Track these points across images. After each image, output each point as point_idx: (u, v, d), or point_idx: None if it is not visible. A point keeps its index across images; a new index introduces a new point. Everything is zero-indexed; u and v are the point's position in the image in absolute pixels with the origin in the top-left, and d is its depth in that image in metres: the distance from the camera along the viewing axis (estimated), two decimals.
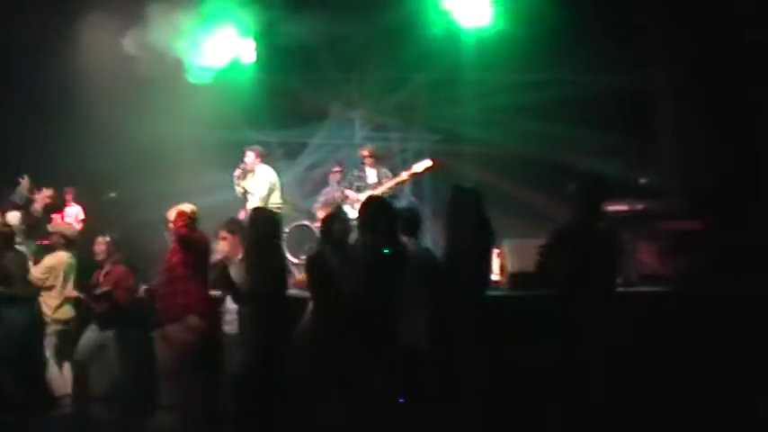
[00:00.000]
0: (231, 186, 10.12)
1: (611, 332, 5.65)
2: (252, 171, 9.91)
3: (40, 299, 7.88)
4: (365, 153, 9.95)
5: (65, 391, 7.72)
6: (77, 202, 11.07)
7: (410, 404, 5.73)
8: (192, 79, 10.66)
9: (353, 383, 5.57)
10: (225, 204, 9.95)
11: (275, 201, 9.84)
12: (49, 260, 7.99)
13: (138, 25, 10.43)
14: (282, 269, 6.32)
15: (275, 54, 11.48)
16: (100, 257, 7.87)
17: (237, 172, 9.87)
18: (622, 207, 8.58)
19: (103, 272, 7.77)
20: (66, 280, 7.93)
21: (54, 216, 9.97)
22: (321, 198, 10.69)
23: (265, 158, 9.99)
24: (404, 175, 9.58)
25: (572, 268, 5.72)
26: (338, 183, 10.60)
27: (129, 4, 10.57)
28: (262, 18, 11.00)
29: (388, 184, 9.51)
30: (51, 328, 7.86)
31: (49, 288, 7.88)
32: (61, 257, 7.96)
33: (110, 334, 7.73)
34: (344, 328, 5.62)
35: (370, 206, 6.00)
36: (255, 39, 11.39)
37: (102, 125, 11.04)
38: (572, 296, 5.74)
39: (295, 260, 9.85)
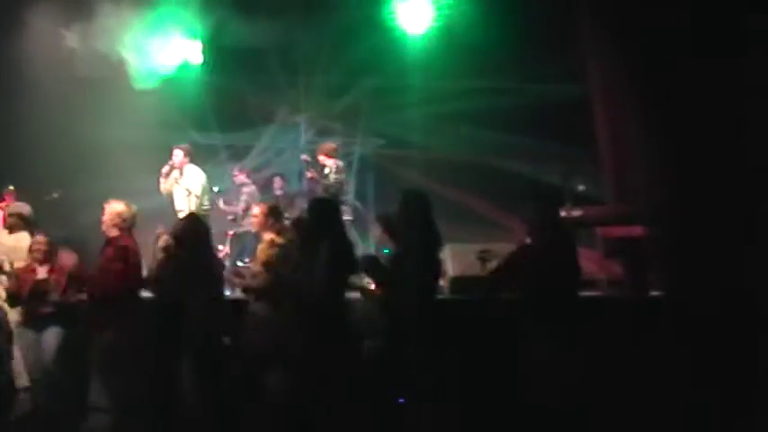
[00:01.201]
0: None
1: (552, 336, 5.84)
2: (180, 170, 9.85)
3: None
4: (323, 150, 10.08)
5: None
6: (20, 201, 10.88)
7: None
8: (137, 84, 10.60)
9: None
10: (170, 206, 9.95)
11: (205, 203, 9.83)
12: (13, 239, 7.86)
13: (83, 22, 10.36)
14: None
15: (222, 56, 11.50)
16: (37, 256, 7.67)
17: (165, 169, 9.79)
18: (562, 213, 8.77)
19: (41, 270, 7.58)
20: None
21: None
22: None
23: (193, 158, 9.96)
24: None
25: (536, 281, 5.92)
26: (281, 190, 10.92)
27: (76, 3, 10.46)
28: (209, 20, 11.00)
29: None
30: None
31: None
32: (24, 237, 7.85)
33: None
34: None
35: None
36: (203, 41, 11.36)
37: (44, 124, 10.89)
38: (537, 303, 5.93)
39: (239, 263, 9.87)
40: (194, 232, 6.53)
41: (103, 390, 6.65)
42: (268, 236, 6.71)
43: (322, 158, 9.91)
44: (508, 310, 6.32)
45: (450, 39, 11.03)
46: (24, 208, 8.22)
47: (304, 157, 10.15)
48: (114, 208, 6.99)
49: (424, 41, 11.33)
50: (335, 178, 9.69)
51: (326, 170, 9.78)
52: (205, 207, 9.75)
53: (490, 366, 6.66)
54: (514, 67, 10.89)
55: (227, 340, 6.57)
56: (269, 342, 6.32)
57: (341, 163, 9.88)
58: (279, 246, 6.61)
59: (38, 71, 10.88)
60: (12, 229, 8.11)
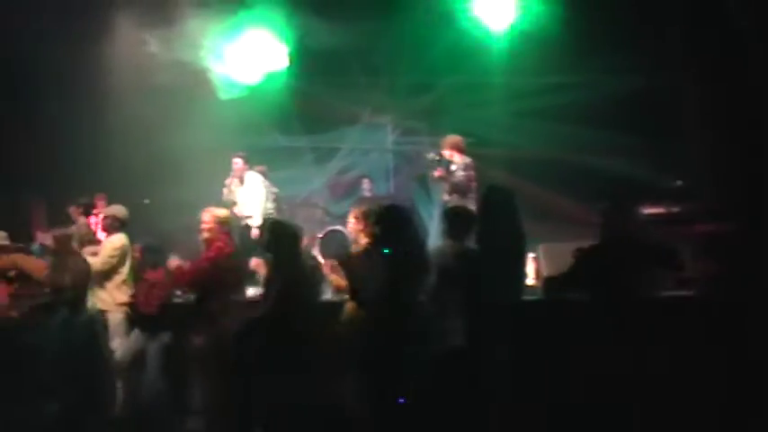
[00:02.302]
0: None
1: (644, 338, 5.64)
2: (240, 179, 9.96)
3: (98, 295, 7.85)
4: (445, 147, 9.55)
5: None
6: None
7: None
8: (222, 94, 10.71)
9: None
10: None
11: (269, 207, 9.89)
12: (111, 242, 7.98)
13: (166, 29, 10.49)
14: None
15: (306, 60, 11.49)
16: (137, 263, 7.90)
17: (229, 181, 9.95)
18: (659, 210, 8.53)
19: (143, 276, 7.76)
20: (126, 262, 7.92)
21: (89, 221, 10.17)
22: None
23: (253, 165, 10.03)
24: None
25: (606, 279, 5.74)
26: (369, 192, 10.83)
27: (161, 12, 10.62)
28: (293, 24, 11.02)
29: None
30: (117, 316, 7.77)
31: (114, 272, 7.86)
32: (121, 238, 8.01)
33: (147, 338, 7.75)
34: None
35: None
36: (287, 44, 11.41)
37: (132, 131, 11.10)
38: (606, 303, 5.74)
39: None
40: (287, 236, 6.53)
41: (202, 392, 6.73)
42: (364, 240, 6.63)
43: (448, 153, 9.35)
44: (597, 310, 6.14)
45: (531, 33, 10.82)
46: (119, 210, 8.37)
47: (432, 154, 9.64)
48: (215, 213, 7.11)
49: (506, 37, 11.12)
50: (463, 175, 9.15)
51: (453, 166, 9.23)
52: (269, 211, 9.81)
53: (577, 368, 6.46)
54: (598, 61, 10.61)
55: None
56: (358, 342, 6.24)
57: (468, 159, 9.32)
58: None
59: (126, 81, 11.06)
60: (108, 231, 8.28)
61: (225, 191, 9.98)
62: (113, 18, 11.09)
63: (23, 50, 10.26)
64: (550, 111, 10.94)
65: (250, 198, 9.81)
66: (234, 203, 9.93)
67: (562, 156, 10.96)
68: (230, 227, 7.22)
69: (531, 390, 6.11)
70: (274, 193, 10.50)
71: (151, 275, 7.65)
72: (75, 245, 7.97)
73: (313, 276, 6.68)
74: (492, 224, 6.04)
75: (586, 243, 7.36)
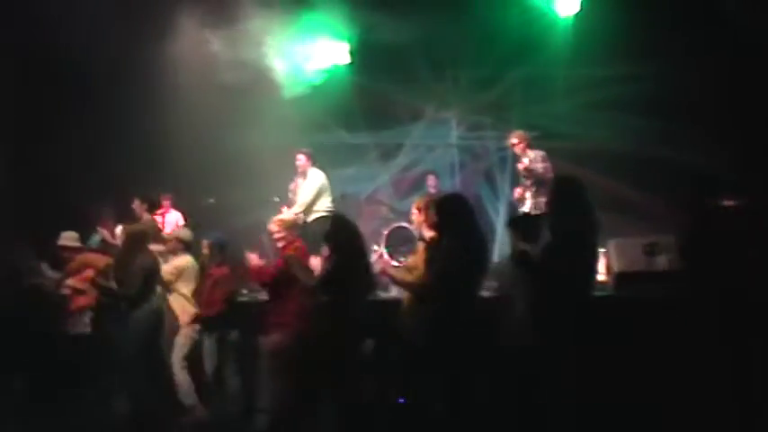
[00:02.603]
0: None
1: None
2: (304, 173, 9.92)
3: (172, 304, 7.95)
4: (514, 141, 9.42)
5: (191, 397, 7.67)
6: (176, 208, 11.25)
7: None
8: (286, 92, 10.70)
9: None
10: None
11: (326, 205, 9.80)
12: (177, 261, 8.09)
13: (229, 28, 10.53)
14: None
15: (369, 55, 11.43)
16: (203, 260, 7.95)
17: (294, 184, 9.98)
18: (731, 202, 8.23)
19: (207, 273, 7.82)
20: (193, 282, 8.01)
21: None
22: None
23: (316, 161, 9.97)
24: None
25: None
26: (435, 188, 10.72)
27: (224, 11, 10.65)
28: (355, 20, 10.97)
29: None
30: (184, 332, 7.84)
31: (179, 291, 7.96)
32: (187, 260, 8.08)
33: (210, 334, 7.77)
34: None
35: None
36: (349, 41, 11.37)
37: (197, 130, 11.16)
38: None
39: (394, 262, 9.79)
40: (346, 232, 6.46)
41: (270, 392, 6.72)
42: (429, 233, 6.51)
43: (520, 149, 9.33)
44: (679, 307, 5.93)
45: (597, 23, 10.58)
46: (185, 234, 8.44)
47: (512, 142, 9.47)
48: (281, 219, 7.15)
49: (573, 26, 10.91)
50: (541, 167, 9.05)
51: (525, 159, 9.18)
52: (328, 207, 9.76)
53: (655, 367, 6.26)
54: (668, 50, 10.30)
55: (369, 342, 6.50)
56: (421, 339, 6.14)
57: (541, 151, 9.24)
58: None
59: (189, 80, 11.09)
60: (173, 253, 8.32)
61: (290, 194, 9.97)
62: (177, 17, 11.16)
63: (88, 50, 10.36)
64: (619, 102, 10.64)
65: (303, 195, 9.74)
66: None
67: (631, 148, 10.66)
68: (298, 228, 7.18)
69: (601, 388, 5.92)
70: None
71: (216, 272, 7.66)
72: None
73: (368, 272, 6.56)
74: (563, 217, 5.83)
75: (657, 238, 7.20)
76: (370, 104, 11.82)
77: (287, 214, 7.63)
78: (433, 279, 5.89)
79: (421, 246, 6.52)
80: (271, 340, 6.89)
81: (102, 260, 8.38)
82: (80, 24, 9.91)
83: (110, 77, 11.03)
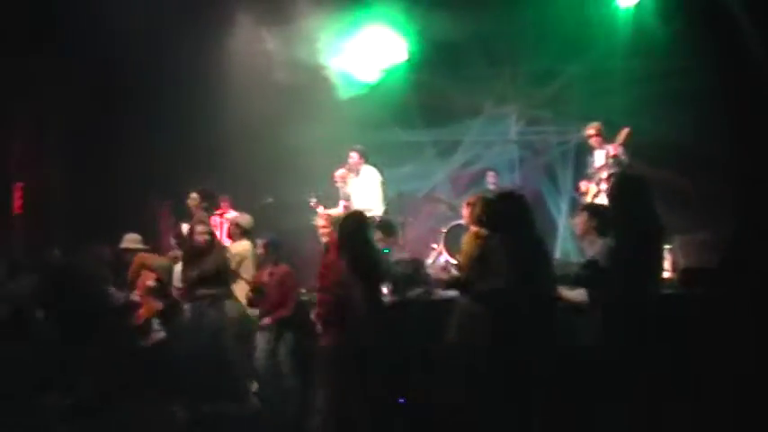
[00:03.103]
0: (389, 186, 10.19)
1: None
2: (356, 172, 9.84)
3: (236, 291, 7.95)
4: (591, 132, 9.26)
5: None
6: (235, 208, 11.30)
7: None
8: (343, 93, 10.65)
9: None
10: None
11: (376, 201, 9.70)
12: (236, 247, 8.13)
13: (285, 27, 10.54)
14: None
15: (426, 52, 11.33)
16: (261, 259, 7.93)
17: (340, 173, 9.84)
18: None
19: (267, 272, 7.78)
20: (252, 271, 8.03)
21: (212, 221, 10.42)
22: None
23: (368, 158, 9.88)
24: (612, 150, 9.01)
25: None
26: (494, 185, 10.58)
27: (280, 10, 10.66)
28: (412, 17, 10.89)
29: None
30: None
31: (238, 278, 7.98)
32: (245, 245, 8.08)
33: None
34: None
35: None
36: (406, 38, 11.28)
37: (254, 130, 11.20)
38: None
39: (453, 260, 9.68)
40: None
41: (327, 393, 6.68)
42: (474, 228, 6.42)
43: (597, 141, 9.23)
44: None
45: (657, 15, 10.34)
46: (243, 218, 8.44)
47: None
48: (329, 214, 7.09)
49: (631, 20, 10.67)
50: (625, 161, 8.95)
51: (601, 152, 9.11)
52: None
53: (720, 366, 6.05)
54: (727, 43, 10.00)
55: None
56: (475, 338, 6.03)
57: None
58: (483, 238, 6.29)
59: (244, 76, 11.11)
60: (232, 237, 8.35)
61: (339, 184, 9.90)
62: (235, 18, 11.21)
63: (143, 50, 10.50)
64: (679, 95, 10.35)
65: (366, 191, 9.67)
66: (348, 197, 9.86)
67: (693, 142, 10.36)
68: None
69: (665, 388, 5.75)
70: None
71: (277, 270, 7.64)
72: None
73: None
74: (626, 214, 5.65)
75: (725, 234, 6.97)
76: (427, 101, 11.74)
77: (335, 210, 7.57)
78: (491, 280, 5.78)
79: (466, 239, 6.46)
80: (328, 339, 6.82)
81: (156, 260, 8.44)
82: (140, 24, 10.02)
83: (168, 78, 11.13)
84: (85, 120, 11.24)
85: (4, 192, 11.53)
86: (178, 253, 8.48)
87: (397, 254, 6.94)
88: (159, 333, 8.21)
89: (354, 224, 6.35)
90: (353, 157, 9.84)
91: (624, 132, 8.99)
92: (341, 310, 6.46)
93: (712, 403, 5.87)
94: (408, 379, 6.35)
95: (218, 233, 10.67)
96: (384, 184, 9.87)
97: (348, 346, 6.27)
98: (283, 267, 7.62)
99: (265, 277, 7.65)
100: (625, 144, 8.99)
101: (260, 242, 7.85)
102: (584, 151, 10.51)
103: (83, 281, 8.35)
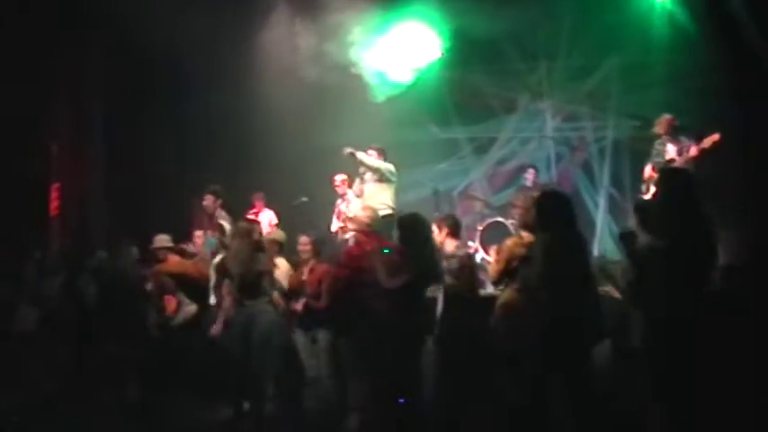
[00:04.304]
0: (421, 184, 10.10)
1: None
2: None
3: None
4: (663, 124, 8.83)
5: None
6: (269, 207, 11.28)
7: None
8: (376, 95, 10.57)
9: None
10: (417, 203, 9.89)
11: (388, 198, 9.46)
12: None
13: (323, 29, 10.46)
14: None
15: (460, 49, 11.19)
16: (304, 256, 7.88)
17: (363, 170, 9.67)
18: None
19: (307, 269, 7.67)
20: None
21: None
22: None
23: (387, 156, 9.67)
24: (693, 151, 8.59)
25: None
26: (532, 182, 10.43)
27: (315, 7, 10.60)
28: (445, 14, 10.78)
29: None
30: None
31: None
32: (283, 265, 8.05)
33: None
34: None
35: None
36: (440, 35, 11.17)
37: (287, 129, 11.16)
38: None
39: (489, 258, 9.57)
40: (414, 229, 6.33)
41: (359, 390, 6.64)
42: (524, 234, 6.31)
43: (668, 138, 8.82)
44: None
45: (695, 7, 10.16)
46: (279, 234, 8.38)
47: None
48: (357, 217, 7.02)
49: (670, 12, 10.50)
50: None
51: (671, 147, 8.72)
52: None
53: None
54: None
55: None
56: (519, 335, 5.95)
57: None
58: (525, 246, 6.20)
59: (279, 79, 11.00)
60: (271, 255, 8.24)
61: (356, 183, 9.79)
62: (265, 13, 11.17)
63: (175, 49, 10.49)
64: (719, 89, 10.13)
65: (380, 189, 9.56)
66: (362, 193, 9.70)
67: (733, 136, 10.12)
68: (376, 226, 7.00)
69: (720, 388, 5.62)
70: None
71: (320, 268, 7.58)
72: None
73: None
74: (671, 211, 5.51)
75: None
76: (462, 98, 11.70)
77: (363, 212, 7.43)
78: (532, 279, 5.70)
79: (509, 241, 6.37)
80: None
81: (182, 266, 8.42)
82: (172, 23, 10.02)
83: (201, 76, 11.15)
84: (119, 120, 11.29)
85: (41, 192, 11.61)
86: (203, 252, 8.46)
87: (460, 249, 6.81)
88: (191, 306, 8.19)
89: (415, 223, 6.33)
90: (372, 154, 9.75)
91: (712, 138, 8.54)
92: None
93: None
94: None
95: None
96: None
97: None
98: (323, 266, 7.56)
99: (305, 274, 7.61)
100: (708, 150, 8.59)
101: (304, 239, 7.79)
102: (621, 147, 10.41)
103: (129, 283, 8.43)
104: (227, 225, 8.72)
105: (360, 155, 9.17)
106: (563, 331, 5.45)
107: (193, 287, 8.22)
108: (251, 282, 7.29)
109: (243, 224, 7.80)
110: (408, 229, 6.36)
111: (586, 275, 5.76)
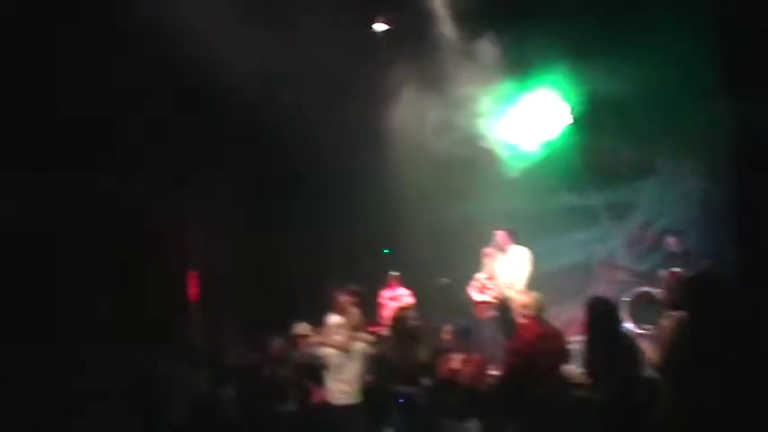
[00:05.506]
0: (562, 254, 9.73)
1: None
2: (503, 251, 9.48)
3: None
4: None
5: None
6: (405, 287, 11.09)
7: None
8: (510, 171, 10.39)
9: None
10: (558, 272, 9.62)
11: (521, 282, 9.20)
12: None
13: (454, 102, 10.37)
14: None
15: (591, 112, 10.86)
16: (446, 346, 7.69)
17: (488, 250, 9.50)
18: None
19: (459, 360, 7.55)
20: None
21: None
22: None
23: (516, 239, 9.49)
24: None
25: None
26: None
27: (444, 79, 10.52)
28: (575, 78, 10.51)
29: None
30: None
31: None
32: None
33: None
34: None
35: None
36: (570, 101, 10.88)
37: (420, 204, 11.05)
38: None
39: (640, 331, 9.07)
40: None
41: None
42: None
43: None
44: None
45: None
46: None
47: None
48: (518, 299, 6.81)
49: None
50: None
51: None
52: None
53: None
54: None
55: None
56: None
57: None
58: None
59: (411, 148, 10.94)
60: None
61: (486, 260, 9.56)
62: (398, 87, 11.15)
63: (307, 135, 10.59)
64: None
65: (513, 271, 9.35)
66: (493, 273, 9.55)
67: None
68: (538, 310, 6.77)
69: None
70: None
71: (469, 359, 7.38)
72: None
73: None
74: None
75: None
76: (596, 162, 11.25)
77: (524, 296, 7.21)
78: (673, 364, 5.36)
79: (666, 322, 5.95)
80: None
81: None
82: (306, 104, 10.12)
83: (333, 159, 11.19)
84: (256, 205, 11.44)
85: (180, 279, 11.84)
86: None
87: None
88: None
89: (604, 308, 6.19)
90: (499, 235, 9.49)
91: None
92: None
93: None
94: None
95: (385, 312, 10.68)
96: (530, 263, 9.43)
97: None
98: (477, 356, 7.40)
99: (456, 364, 7.36)
100: None
101: (446, 328, 7.66)
102: None
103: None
104: (335, 321, 8.59)
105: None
106: None
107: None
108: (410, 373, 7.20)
109: (398, 312, 7.76)
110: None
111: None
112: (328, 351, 7.94)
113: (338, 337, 7.95)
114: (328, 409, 7.83)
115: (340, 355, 7.87)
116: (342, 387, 7.79)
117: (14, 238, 9.33)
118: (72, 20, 9.51)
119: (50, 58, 9.45)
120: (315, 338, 8.27)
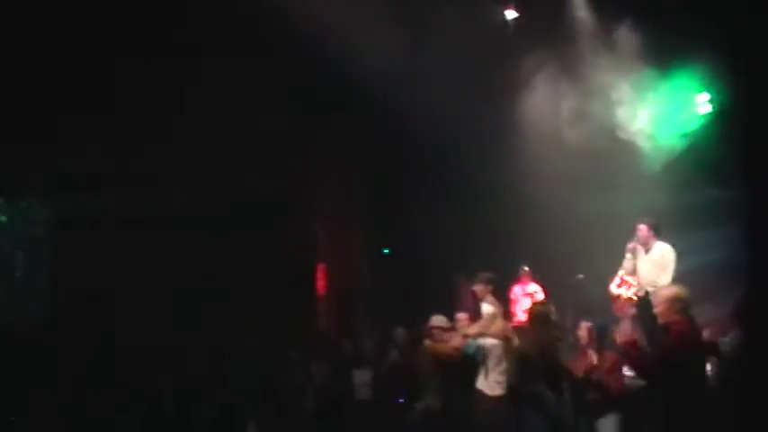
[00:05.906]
0: (704, 251, 9.47)
1: None
2: (646, 247, 8.94)
3: None
4: None
5: None
6: (535, 281, 10.85)
7: None
8: (652, 165, 10.06)
9: None
10: (698, 270, 9.14)
11: (665, 280, 8.61)
12: None
13: (587, 93, 10.08)
14: None
15: (732, 101, 10.35)
16: (582, 342, 7.45)
17: (631, 245, 8.98)
18: None
19: (593, 356, 7.33)
20: None
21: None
22: None
23: (659, 232, 8.93)
24: None
25: None
26: None
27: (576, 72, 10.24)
28: (713, 66, 10.04)
29: None
30: None
31: None
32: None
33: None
34: None
35: None
36: (708, 89, 10.41)
37: (552, 198, 10.78)
38: None
39: None
40: None
41: None
42: None
43: None
44: None
45: None
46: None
47: None
48: (666, 293, 6.40)
49: None
50: None
51: None
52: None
53: None
54: None
55: None
56: None
57: None
58: None
59: (546, 140, 10.79)
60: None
61: (628, 256, 9.11)
62: (530, 78, 10.95)
63: (437, 127, 10.49)
64: None
65: (656, 269, 8.84)
66: (633, 270, 9.09)
67: None
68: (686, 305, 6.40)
69: None
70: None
71: (606, 357, 7.12)
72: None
73: None
74: None
75: None
76: (740, 153, 10.68)
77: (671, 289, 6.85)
78: None
79: None
80: None
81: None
82: (437, 94, 10.00)
83: (464, 148, 11.03)
84: (385, 200, 11.43)
85: (308, 273, 11.96)
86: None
87: None
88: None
89: None
90: (642, 230, 9.00)
91: None
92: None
93: None
94: None
95: (517, 307, 10.45)
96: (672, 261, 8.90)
97: None
98: (612, 355, 7.11)
99: (593, 362, 7.22)
100: None
101: (583, 325, 7.40)
102: None
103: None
104: (490, 310, 8.36)
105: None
106: None
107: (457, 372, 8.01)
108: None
109: (538, 308, 7.55)
110: None
111: None
112: (489, 341, 7.76)
113: (495, 327, 7.75)
114: (483, 398, 7.66)
115: (500, 345, 7.68)
116: (497, 378, 7.61)
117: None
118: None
119: None
120: (472, 329, 8.06)
